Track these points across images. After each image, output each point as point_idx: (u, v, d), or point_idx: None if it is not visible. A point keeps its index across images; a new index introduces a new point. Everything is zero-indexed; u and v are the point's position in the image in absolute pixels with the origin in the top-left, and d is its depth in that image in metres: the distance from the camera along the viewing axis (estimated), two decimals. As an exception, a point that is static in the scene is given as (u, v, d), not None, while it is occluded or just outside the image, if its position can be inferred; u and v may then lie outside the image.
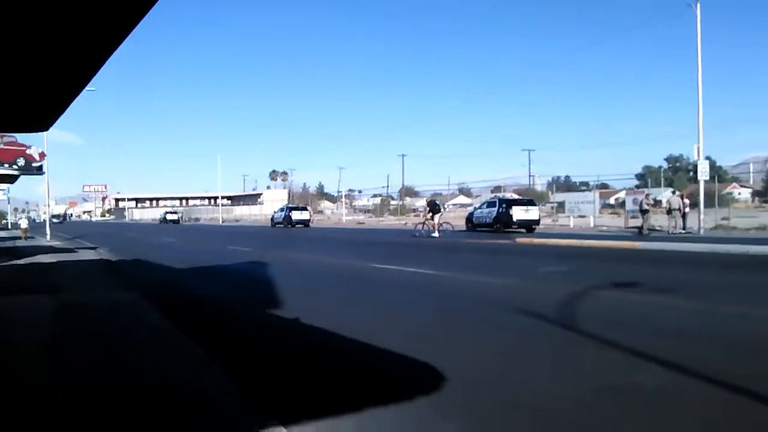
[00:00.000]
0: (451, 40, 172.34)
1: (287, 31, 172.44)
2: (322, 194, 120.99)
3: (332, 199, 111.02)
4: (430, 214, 26.30)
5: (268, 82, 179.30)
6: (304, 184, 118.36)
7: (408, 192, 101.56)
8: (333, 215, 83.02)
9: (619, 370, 4.93)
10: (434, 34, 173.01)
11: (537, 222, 30.75)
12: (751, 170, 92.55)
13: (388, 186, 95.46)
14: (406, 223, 51.58)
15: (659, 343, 5.73)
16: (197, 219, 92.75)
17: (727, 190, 68.14)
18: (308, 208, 58.24)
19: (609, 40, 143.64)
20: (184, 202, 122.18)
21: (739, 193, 78.28)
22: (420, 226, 27.57)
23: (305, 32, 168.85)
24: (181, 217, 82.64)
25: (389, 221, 57.92)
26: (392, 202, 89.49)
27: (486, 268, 14.10)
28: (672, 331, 6.41)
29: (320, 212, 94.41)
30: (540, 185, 77.33)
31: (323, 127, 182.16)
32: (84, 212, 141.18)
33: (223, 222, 76.76)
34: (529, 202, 32.03)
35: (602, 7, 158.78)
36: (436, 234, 25.27)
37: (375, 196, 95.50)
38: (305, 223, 48.83)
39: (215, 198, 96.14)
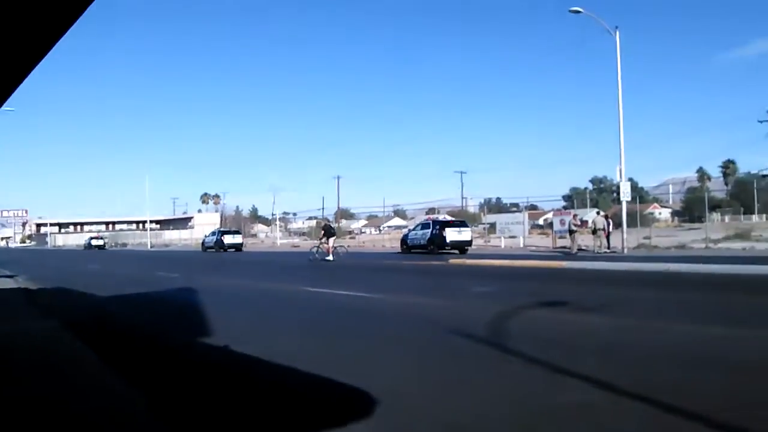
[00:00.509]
0: (383, 61, 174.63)
1: (217, 50, 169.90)
2: (255, 217, 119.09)
3: (266, 222, 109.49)
4: (325, 237, 26.49)
5: (198, 102, 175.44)
6: (237, 207, 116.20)
7: (344, 214, 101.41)
8: (267, 238, 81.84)
9: (548, 387, 4.97)
10: (366, 55, 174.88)
11: (469, 243, 31.30)
12: (671, 191, 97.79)
13: (323, 208, 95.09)
14: (341, 246, 51.46)
15: (583, 359, 5.85)
16: (124, 244, 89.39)
17: (649, 210, 71.53)
18: (241, 231, 57.14)
19: (535, 63, 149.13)
20: (110, 226, 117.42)
21: (660, 213, 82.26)
22: (315, 249, 27.63)
23: (235, 52, 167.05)
24: (107, 242, 79.47)
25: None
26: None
27: (419, 289, 14.16)
28: (596, 347, 6.57)
29: (254, 236, 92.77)
30: (473, 207, 78.83)
31: (257, 149, 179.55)
32: (2, 239, 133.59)
33: (151, 247, 74.19)
34: (462, 224, 32.62)
35: (530, 31, 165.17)
36: (330, 257, 25.39)
37: (310, 218, 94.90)
38: (238, 247, 47.92)
39: (143, 222, 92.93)
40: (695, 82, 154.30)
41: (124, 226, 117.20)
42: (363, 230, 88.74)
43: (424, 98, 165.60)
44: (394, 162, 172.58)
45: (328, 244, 26.00)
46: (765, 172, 60.68)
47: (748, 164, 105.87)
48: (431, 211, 54.72)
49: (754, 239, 29.47)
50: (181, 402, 4.93)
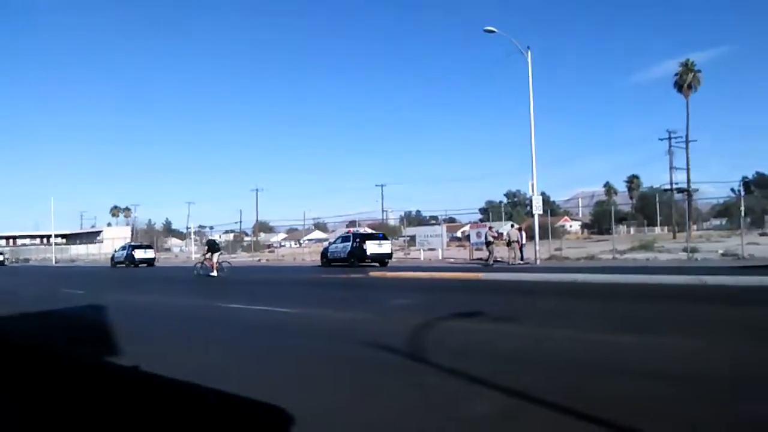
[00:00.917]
0: (302, 74, 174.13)
1: (129, 58, 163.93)
2: (169, 231, 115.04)
3: (181, 236, 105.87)
4: (209, 253, 26.00)
5: (107, 111, 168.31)
6: (150, 220, 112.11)
7: (262, 227, 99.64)
8: (182, 253, 79.12)
9: (461, 398, 4.95)
10: (284, 67, 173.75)
11: (390, 255, 31.44)
12: (580, 204, 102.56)
13: (241, 222, 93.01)
14: (259, 260, 50.48)
15: (499, 369, 5.91)
16: (26, 260, 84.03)
17: (560, 222, 74.77)
18: (153, 246, 54.91)
19: (454, 80, 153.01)
20: (11, 241, 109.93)
21: (570, 226, 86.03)
22: (199, 265, 27.08)
23: (150, 60, 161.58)
24: (7, 257, 74.25)
25: (242, 258, 56.27)
26: (246, 238, 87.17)
27: (337, 302, 14.01)
28: (510, 356, 6.66)
29: (167, 250, 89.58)
30: (393, 220, 79.51)
31: (170, 161, 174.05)
32: None
33: (57, 262, 70.09)
34: (382, 237, 32.74)
35: (452, 48, 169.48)
36: (215, 273, 24.87)
37: (227, 232, 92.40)
38: (150, 262, 46.06)
39: (48, 236, 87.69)
40: (604, 102, 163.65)
41: (27, 241, 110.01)
42: (283, 244, 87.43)
43: (342, 112, 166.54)
44: (315, 175, 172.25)
45: (212, 260, 25.36)
46: (666, 187, 64.48)
47: (651, 179, 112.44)
48: (352, 224, 54.55)
49: (656, 250, 31.25)
50: (73, 423, 4.55)
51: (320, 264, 33.67)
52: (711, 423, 4.12)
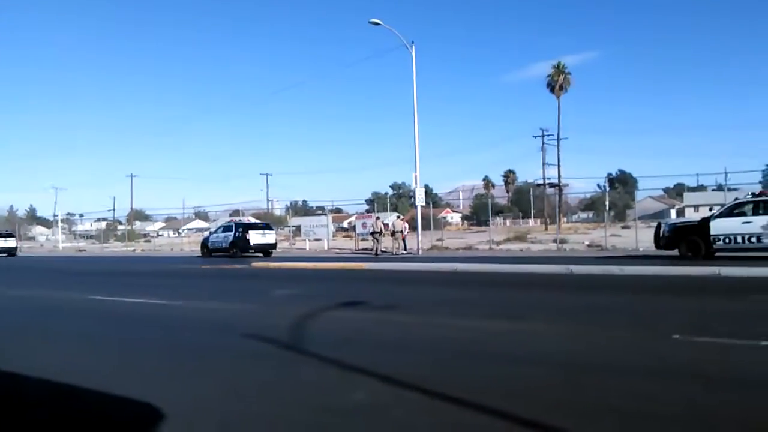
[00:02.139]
0: (179, 59, 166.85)
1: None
2: (34, 218, 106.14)
3: (47, 224, 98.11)
4: None
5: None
6: (11, 206, 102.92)
7: (138, 216, 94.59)
8: (48, 242, 73.45)
9: (342, 387, 4.93)
10: (161, 51, 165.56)
11: (274, 246, 30.93)
12: (461, 197, 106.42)
13: (114, 209, 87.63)
14: (134, 250, 47.90)
15: (379, 357, 5.96)
16: None
17: (442, 214, 77.11)
18: (15, 234, 50.43)
19: (343, 70, 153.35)
20: None
21: (452, 217, 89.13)
22: None
23: (9, 37, 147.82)
24: None
25: (115, 248, 53.13)
26: (119, 227, 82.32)
27: (218, 293, 13.55)
28: (391, 345, 6.75)
29: (32, 239, 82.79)
30: (279, 209, 78.21)
31: (37, 141, 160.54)
32: None
33: None
34: (266, 227, 32.10)
35: (335, 34, 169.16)
36: None
37: (99, 220, 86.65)
38: (11, 251, 42.48)
39: None
40: (485, 99, 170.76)
41: None
42: (160, 233, 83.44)
43: (224, 100, 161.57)
44: (197, 162, 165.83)
45: None
46: (539, 182, 68.40)
47: (526, 174, 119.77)
48: (236, 213, 53.06)
49: (529, 241, 33.13)
50: None
51: (200, 254, 32.48)
52: (576, 402, 4.36)
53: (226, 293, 13.70)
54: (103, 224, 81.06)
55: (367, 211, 46.30)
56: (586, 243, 28.58)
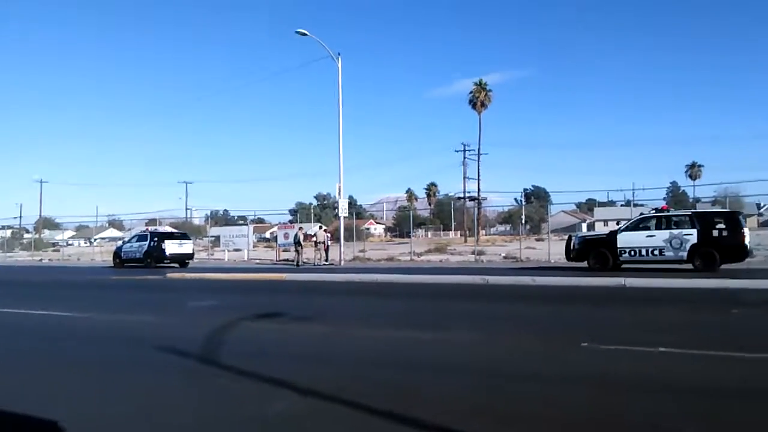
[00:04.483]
0: (91, 62, 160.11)
1: None
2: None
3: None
4: None
5: None
6: None
7: (47, 224, 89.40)
8: (-58, 251, 68.02)
9: (258, 399, 4.84)
10: (66, 44, 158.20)
11: (191, 256, 30.01)
12: (384, 209, 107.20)
13: (21, 216, 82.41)
14: (41, 259, 45.22)
15: (297, 368, 5.90)
16: None
17: (366, 225, 77.36)
18: None
19: (268, 80, 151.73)
20: None
21: (375, 229, 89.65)
22: None
23: None
24: None
25: (21, 257, 49.94)
26: (26, 236, 77.43)
27: (130, 306, 12.99)
28: (310, 356, 6.70)
29: (-76, 249, 76.55)
30: (198, 219, 75.97)
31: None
32: None
33: None
34: (183, 236, 31.10)
35: (262, 43, 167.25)
36: None
37: (4, 227, 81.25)
38: None
39: None
40: (411, 113, 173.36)
41: None
42: (71, 242, 79.14)
43: (142, 105, 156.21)
44: (111, 168, 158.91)
45: None
46: (460, 195, 69.95)
47: (448, 187, 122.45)
48: (152, 222, 51.11)
49: (449, 253, 33.78)
50: None
51: (113, 265, 31.04)
52: (492, 408, 4.47)
53: (139, 305, 13.15)
54: (8, 232, 75.98)
55: (291, 222, 45.83)
56: (503, 255, 29.42)
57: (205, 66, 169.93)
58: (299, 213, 59.09)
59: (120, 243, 34.73)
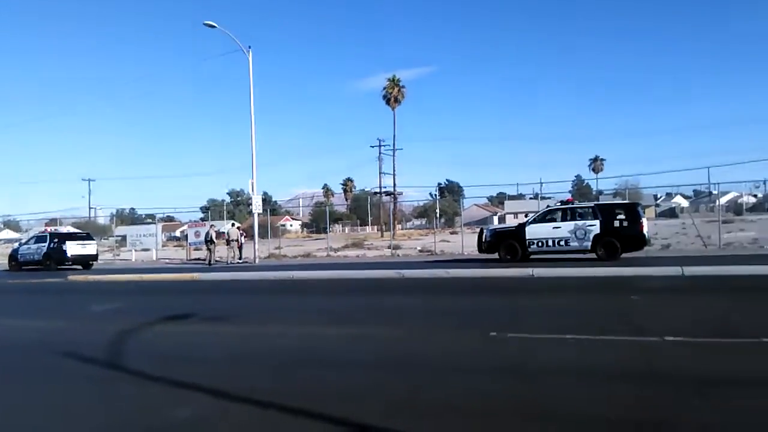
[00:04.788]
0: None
1: None
2: None
3: None
4: None
5: None
6: None
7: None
8: None
9: (168, 404, 4.67)
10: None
11: (95, 257, 28.50)
12: (301, 204, 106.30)
13: None
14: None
15: (210, 370, 5.76)
16: None
17: (281, 222, 76.31)
18: None
19: (175, 73, 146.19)
20: None
21: (291, 225, 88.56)
22: None
23: None
24: None
25: None
26: None
27: (28, 310, 12.21)
28: (221, 357, 6.55)
29: None
30: (103, 218, 72.25)
31: None
32: None
33: None
34: (87, 236, 29.47)
35: (173, 36, 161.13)
36: None
37: None
38: None
39: None
40: (327, 108, 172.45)
41: None
42: (-40, 245, 73.27)
43: (40, 98, 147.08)
44: (5, 165, 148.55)
45: None
46: (376, 190, 70.26)
47: (365, 182, 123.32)
48: (53, 222, 48.09)
49: (366, 248, 33.88)
50: None
51: (8, 268, 28.99)
52: (412, 402, 4.52)
53: (39, 310, 12.38)
54: None
55: (203, 219, 44.41)
56: (418, 248, 29.85)
57: (109, 58, 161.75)
58: (211, 210, 57.36)
59: (17, 245, 32.49)
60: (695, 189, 62.65)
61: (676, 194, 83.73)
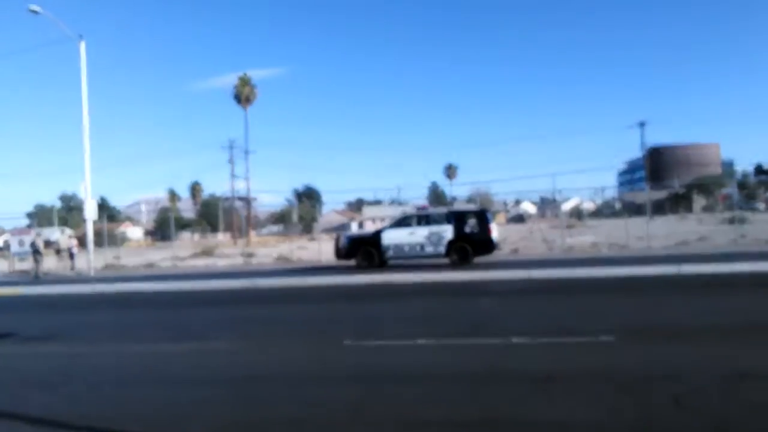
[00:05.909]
0: None
1: None
2: None
3: None
4: None
5: None
6: None
7: None
8: None
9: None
10: None
11: None
12: (143, 210, 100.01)
13: None
14: None
15: (31, 396, 5.16)
16: None
17: (121, 229, 70.96)
18: None
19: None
20: None
21: (133, 232, 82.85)
22: None
23: None
24: None
25: None
26: None
27: None
28: (44, 380, 5.82)
29: None
30: None
31: None
32: None
33: None
34: None
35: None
36: None
37: None
38: None
39: None
40: (171, 107, 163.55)
41: None
42: None
43: None
44: None
45: None
46: (227, 195, 67.94)
47: (216, 186, 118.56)
48: None
49: (217, 256, 32.35)
50: None
51: None
52: (248, 417, 4.22)
53: None
54: None
55: (29, 226, 40.00)
56: (275, 256, 29.09)
57: None
58: (39, 216, 52.05)
59: None
60: (542, 196, 67.84)
61: (524, 200, 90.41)
